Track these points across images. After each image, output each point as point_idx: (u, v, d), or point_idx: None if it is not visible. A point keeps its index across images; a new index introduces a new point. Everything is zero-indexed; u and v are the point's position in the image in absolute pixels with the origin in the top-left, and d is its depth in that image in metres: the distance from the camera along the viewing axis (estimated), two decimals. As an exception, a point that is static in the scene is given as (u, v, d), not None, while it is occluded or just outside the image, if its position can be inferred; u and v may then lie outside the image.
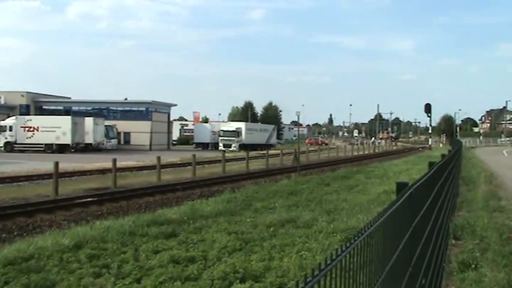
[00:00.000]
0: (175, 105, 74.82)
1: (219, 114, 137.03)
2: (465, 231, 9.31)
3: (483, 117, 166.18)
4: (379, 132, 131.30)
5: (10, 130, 50.88)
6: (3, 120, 52.68)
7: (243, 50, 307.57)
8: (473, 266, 7.00)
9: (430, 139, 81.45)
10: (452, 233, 9.08)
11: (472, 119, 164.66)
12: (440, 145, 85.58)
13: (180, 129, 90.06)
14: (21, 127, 50.82)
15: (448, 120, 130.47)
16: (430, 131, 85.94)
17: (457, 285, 6.41)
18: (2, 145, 50.60)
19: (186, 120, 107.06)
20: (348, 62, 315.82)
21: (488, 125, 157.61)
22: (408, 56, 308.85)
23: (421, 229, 3.88)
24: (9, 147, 49.97)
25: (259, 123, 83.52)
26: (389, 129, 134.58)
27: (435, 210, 5.23)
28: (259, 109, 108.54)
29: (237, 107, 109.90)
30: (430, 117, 76.13)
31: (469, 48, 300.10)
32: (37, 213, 14.30)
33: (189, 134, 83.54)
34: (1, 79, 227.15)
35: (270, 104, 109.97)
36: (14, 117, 53.04)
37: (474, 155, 45.72)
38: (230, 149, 59.46)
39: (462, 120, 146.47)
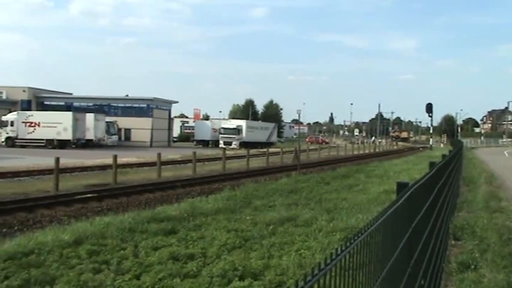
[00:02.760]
0: (176, 102, 74.89)
1: (220, 111, 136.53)
2: (465, 231, 9.31)
3: (485, 118, 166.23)
4: (393, 130, 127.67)
5: (11, 125, 50.88)
6: (5, 115, 52.66)
7: (244, 48, 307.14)
8: (472, 266, 7.00)
9: (431, 139, 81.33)
10: (452, 233, 9.09)
11: (474, 119, 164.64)
12: (441, 145, 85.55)
13: (181, 126, 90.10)
14: (23, 122, 50.83)
15: (449, 120, 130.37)
16: (431, 131, 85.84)
17: (456, 285, 6.41)
18: (3, 140, 50.62)
19: (186, 117, 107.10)
20: (349, 61, 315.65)
21: (490, 125, 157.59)
22: (409, 56, 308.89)
23: (421, 229, 3.89)
24: (11, 142, 49.98)
25: (260, 121, 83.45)
26: (390, 128, 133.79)
27: (435, 210, 5.23)
28: (260, 107, 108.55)
29: (237, 105, 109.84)
30: (431, 117, 75.85)
31: (471, 48, 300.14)
32: (37, 209, 14.32)
33: (189, 131, 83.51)
34: (4, 74, 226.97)
35: (271, 102, 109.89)
36: (15, 113, 53.01)
37: (475, 155, 45.68)
38: (230, 147, 59.39)
39: (463, 121, 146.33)
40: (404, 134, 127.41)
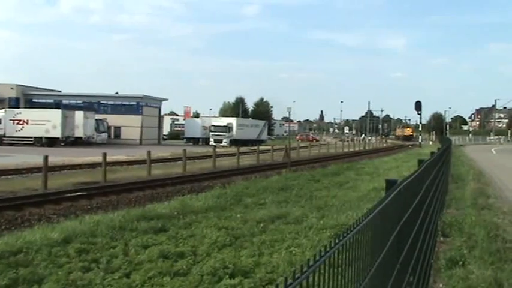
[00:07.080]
0: (167, 99, 74.61)
1: (210, 109, 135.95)
2: (453, 228, 9.39)
3: (473, 115, 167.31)
4: (399, 127, 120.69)
5: (-1, 123, 50.45)
6: (-8, 113, 52.17)
7: (236, 45, 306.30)
8: (460, 263, 7.06)
9: (420, 136, 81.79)
10: (441, 230, 9.15)
11: (462, 117, 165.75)
12: (430, 143, 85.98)
13: (171, 124, 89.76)
14: (11, 120, 50.36)
15: (438, 118, 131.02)
16: (420, 129, 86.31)
17: (445, 282, 6.46)
18: (-10, 138, 50.20)
19: (177, 115, 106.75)
20: (341, 59, 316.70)
21: (478, 123, 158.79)
22: (400, 54, 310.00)
23: (410, 226, 3.91)
24: (-2, 140, 49.57)
25: (250, 119, 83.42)
26: (380, 125, 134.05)
27: (424, 207, 5.27)
28: (250, 105, 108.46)
29: (228, 102, 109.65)
30: (420, 114, 76.14)
31: (460, 47, 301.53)
32: (26, 207, 14.20)
33: (179, 128, 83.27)
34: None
35: (261, 99, 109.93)
36: (3, 110, 52.46)
37: (463, 152, 46.02)
38: (221, 145, 59.35)
39: (452, 118, 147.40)
40: (408, 131, 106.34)
